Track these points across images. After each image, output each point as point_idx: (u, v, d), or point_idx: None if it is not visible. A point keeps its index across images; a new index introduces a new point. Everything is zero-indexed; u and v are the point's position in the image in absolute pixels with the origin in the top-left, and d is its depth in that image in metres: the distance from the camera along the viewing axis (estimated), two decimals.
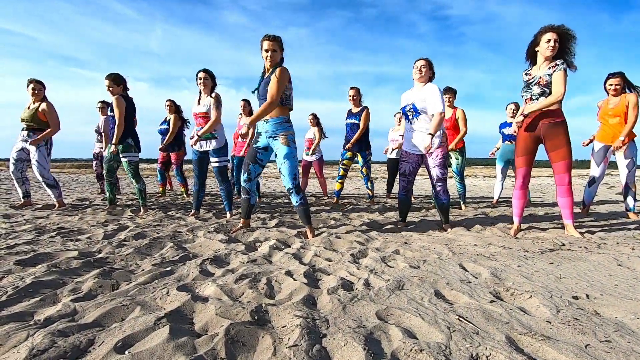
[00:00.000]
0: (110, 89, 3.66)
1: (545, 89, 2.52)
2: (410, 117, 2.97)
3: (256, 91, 2.65)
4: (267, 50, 2.53)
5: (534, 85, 2.58)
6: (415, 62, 2.94)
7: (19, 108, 4.12)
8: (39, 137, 3.96)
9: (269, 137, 2.65)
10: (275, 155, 2.68)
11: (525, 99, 2.68)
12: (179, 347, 1.05)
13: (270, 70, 2.56)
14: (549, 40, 2.47)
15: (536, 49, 2.58)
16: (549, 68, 2.51)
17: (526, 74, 2.69)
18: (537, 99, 2.58)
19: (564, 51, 2.51)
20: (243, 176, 2.79)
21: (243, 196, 2.85)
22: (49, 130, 4.02)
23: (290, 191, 2.65)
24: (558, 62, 2.48)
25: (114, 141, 3.66)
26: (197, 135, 3.42)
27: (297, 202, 2.67)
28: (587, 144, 3.96)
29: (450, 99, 4.35)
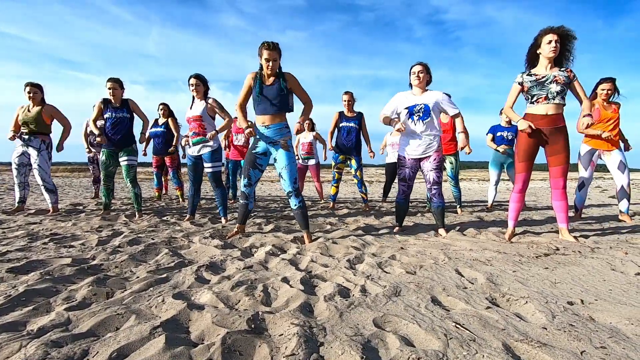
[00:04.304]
0: (115, 91, 3.72)
1: (564, 87, 2.58)
2: (415, 118, 2.93)
3: (260, 96, 2.62)
4: (267, 60, 2.54)
5: (551, 83, 2.57)
6: (412, 67, 2.96)
7: (13, 110, 4.07)
8: (61, 142, 4.16)
9: (269, 143, 2.70)
10: (275, 160, 2.72)
11: (538, 98, 2.62)
12: (175, 357, 1.04)
13: (274, 78, 2.61)
14: (550, 42, 2.51)
15: (537, 51, 2.63)
16: (562, 70, 2.58)
17: (530, 74, 2.65)
18: (553, 97, 2.58)
19: (564, 51, 2.58)
20: (243, 181, 2.81)
21: (241, 201, 2.85)
22: (65, 132, 4.17)
23: (290, 194, 2.70)
24: (571, 69, 2.59)
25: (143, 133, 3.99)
26: (217, 130, 3.47)
27: (296, 205, 2.72)
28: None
29: None
